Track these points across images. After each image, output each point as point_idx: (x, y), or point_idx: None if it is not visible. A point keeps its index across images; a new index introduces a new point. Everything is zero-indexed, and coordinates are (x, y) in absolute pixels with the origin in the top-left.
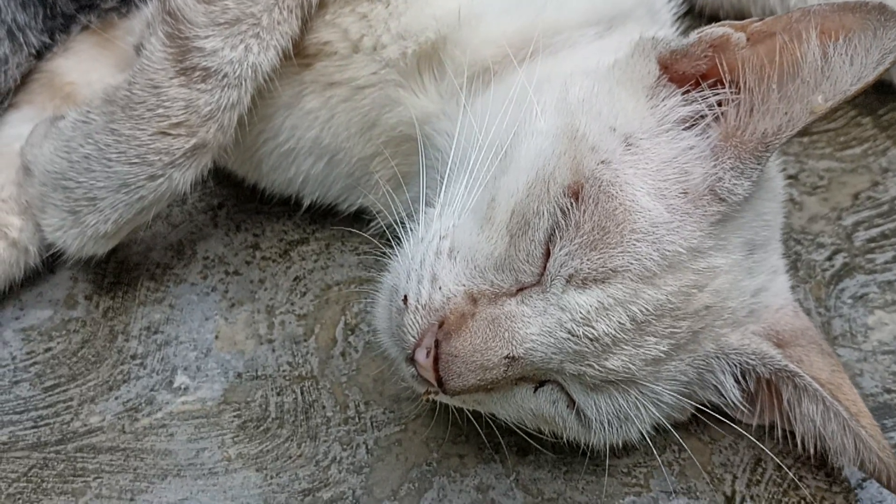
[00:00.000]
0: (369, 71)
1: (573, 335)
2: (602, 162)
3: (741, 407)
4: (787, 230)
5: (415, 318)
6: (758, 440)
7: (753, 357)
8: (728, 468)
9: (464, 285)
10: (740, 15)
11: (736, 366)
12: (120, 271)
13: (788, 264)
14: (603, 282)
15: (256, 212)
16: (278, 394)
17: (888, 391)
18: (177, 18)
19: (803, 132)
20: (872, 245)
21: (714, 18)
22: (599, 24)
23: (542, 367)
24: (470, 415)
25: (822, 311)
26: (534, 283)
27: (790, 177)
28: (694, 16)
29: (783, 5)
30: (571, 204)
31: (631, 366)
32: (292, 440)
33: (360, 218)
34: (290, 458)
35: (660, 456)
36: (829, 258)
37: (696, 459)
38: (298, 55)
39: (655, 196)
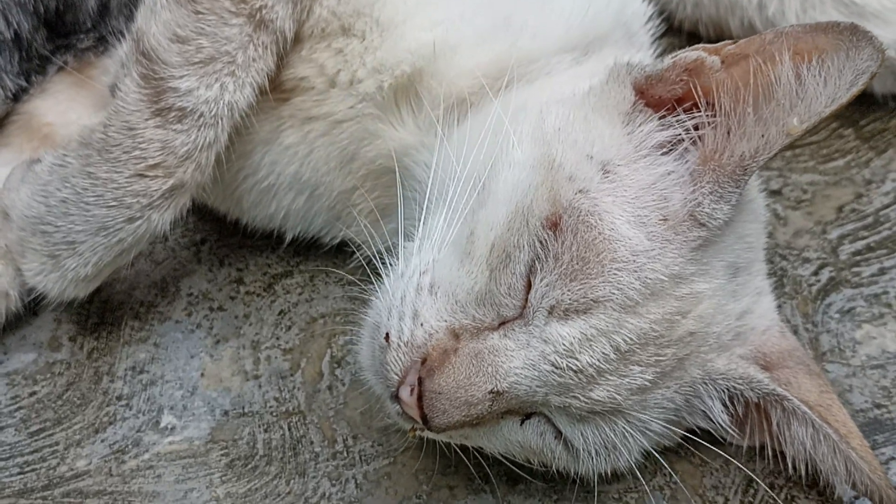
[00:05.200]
0: (346, 105)
1: (557, 367)
2: (580, 191)
3: (730, 431)
4: (773, 246)
5: (397, 355)
6: (748, 461)
7: (740, 381)
8: (720, 490)
9: (445, 321)
10: (718, 28)
11: (723, 391)
12: (104, 311)
13: (775, 280)
14: (585, 312)
15: (239, 246)
16: (266, 430)
17: (878, 406)
18: (151, 59)
19: (785, 147)
20: (858, 258)
21: (693, 34)
22: (576, 50)
23: (527, 400)
24: (456, 447)
25: (809, 326)
26: (516, 316)
27: (774, 192)
28: (673, 31)
29: (761, 16)
30: (550, 235)
31: (617, 396)
32: (281, 477)
33: (345, 249)
34: (279, 495)
35: (650, 480)
36: (816, 273)
37: (687, 482)
38: (275, 90)
39: (635, 224)
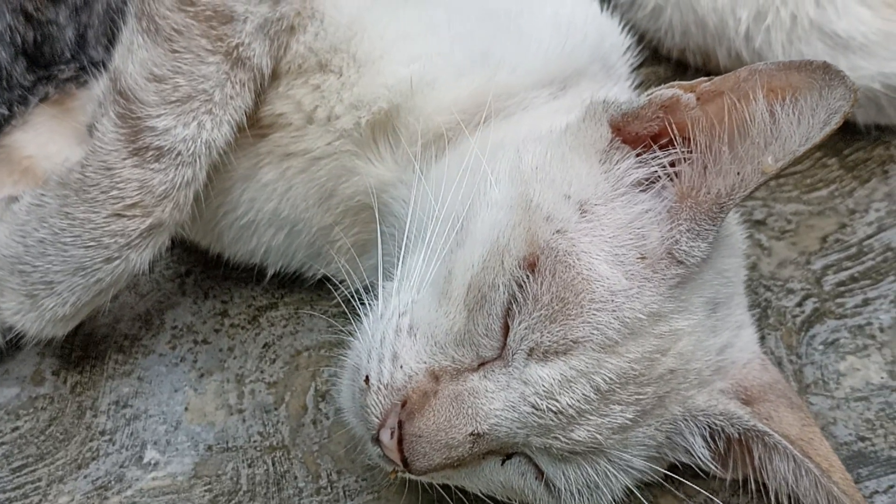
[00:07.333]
0: (324, 142)
1: (537, 409)
2: (557, 231)
3: (712, 465)
4: (757, 276)
5: (377, 398)
6: (732, 494)
7: (721, 418)
8: None
9: (425, 363)
10: (706, 57)
11: (704, 427)
12: (87, 344)
13: (759, 312)
14: (565, 353)
15: (224, 277)
16: (249, 465)
17: (862, 439)
18: (128, 98)
19: (761, 184)
20: (842, 289)
21: (681, 62)
22: (553, 85)
23: (507, 441)
24: (438, 486)
25: (793, 358)
26: (495, 357)
27: (758, 222)
28: (660, 59)
29: (748, 47)
30: (528, 276)
31: (598, 436)
32: None
33: (329, 282)
34: None
35: None
36: (800, 304)
37: None
38: (253, 127)
39: (613, 263)
